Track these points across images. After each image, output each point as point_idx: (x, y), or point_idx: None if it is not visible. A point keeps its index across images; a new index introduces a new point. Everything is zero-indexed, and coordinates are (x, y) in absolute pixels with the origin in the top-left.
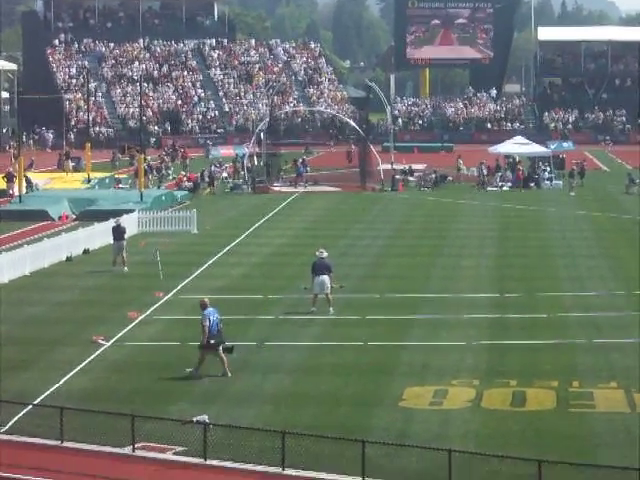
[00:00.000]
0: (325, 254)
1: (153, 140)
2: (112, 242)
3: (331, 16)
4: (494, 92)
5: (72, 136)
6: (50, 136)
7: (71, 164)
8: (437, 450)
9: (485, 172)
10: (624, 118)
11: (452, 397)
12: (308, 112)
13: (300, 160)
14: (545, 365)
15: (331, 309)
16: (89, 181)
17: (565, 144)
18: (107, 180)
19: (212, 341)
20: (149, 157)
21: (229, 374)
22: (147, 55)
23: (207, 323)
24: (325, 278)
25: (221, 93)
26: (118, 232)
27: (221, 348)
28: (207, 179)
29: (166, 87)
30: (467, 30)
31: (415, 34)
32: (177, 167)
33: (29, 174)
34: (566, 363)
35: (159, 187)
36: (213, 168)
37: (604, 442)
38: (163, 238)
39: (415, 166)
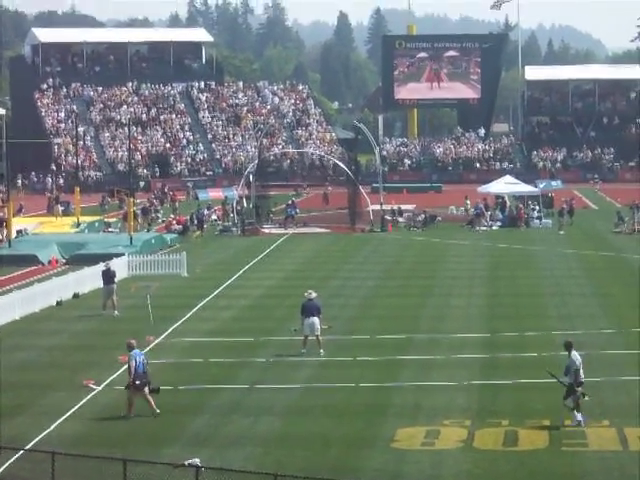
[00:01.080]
0: (314, 295)
1: (142, 184)
2: (102, 286)
3: (319, 58)
4: (482, 132)
5: (61, 180)
6: (49, 180)
7: (60, 208)
8: None
9: (481, 210)
10: (612, 156)
11: (444, 437)
12: (297, 154)
13: (289, 202)
14: (537, 404)
15: (321, 351)
16: (78, 225)
17: (554, 183)
18: (96, 224)
19: (138, 382)
20: (138, 200)
21: (157, 412)
22: (135, 99)
23: (133, 364)
24: (315, 320)
25: (210, 136)
26: (108, 276)
27: (147, 389)
28: (196, 222)
29: (155, 130)
30: (454, 70)
31: (403, 75)
32: (166, 210)
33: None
34: (557, 402)
35: (148, 230)
36: (203, 211)
37: None
38: (153, 281)
39: (404, 206)
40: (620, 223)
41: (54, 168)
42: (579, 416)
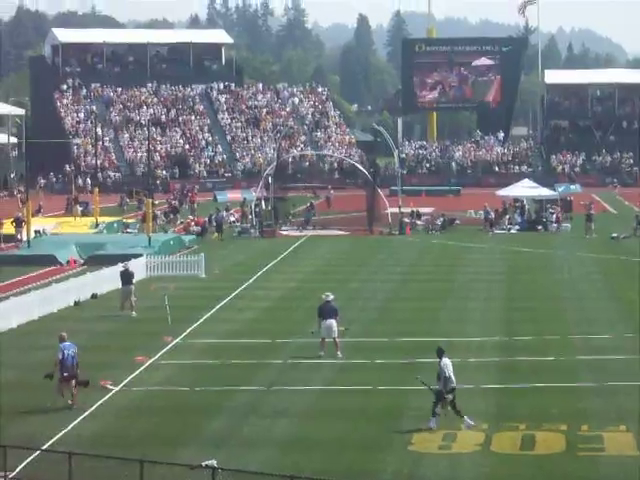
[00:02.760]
0: (331, 297)
1: (159, 184)
2: (120, 287)
3: (338, 60)
4: (501, 135)
5: (80, 181)
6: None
7: (79, 208)
8: None
9: (489, 214)
10: (631, 160)
11: (461, 441)
12: (316, 156)
13: (308, 204)
14: (554, 408)
15: (339, 353)
16: (97, 226)
17: (572, 187)
18: (115, 225)
19: (65, 374)
20: (156, 201)
21: (74, 407)
22: (155, 99)
23: (60, 356)
24: (332, 322)
25: (229, 137)
26: (126, 276)
27: (74, 382)
28: (215, 224)
29: (174, 131)
30: (474, 73)
31: (422, 77)
32: (185, 212)
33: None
34: (575, 406)
35: (167, 231)
36: (222, 214)
37: None
38: (171, 282)
39: (423, 209)
40: (639, 227)
41: (72, 168)
42: (433, 422)
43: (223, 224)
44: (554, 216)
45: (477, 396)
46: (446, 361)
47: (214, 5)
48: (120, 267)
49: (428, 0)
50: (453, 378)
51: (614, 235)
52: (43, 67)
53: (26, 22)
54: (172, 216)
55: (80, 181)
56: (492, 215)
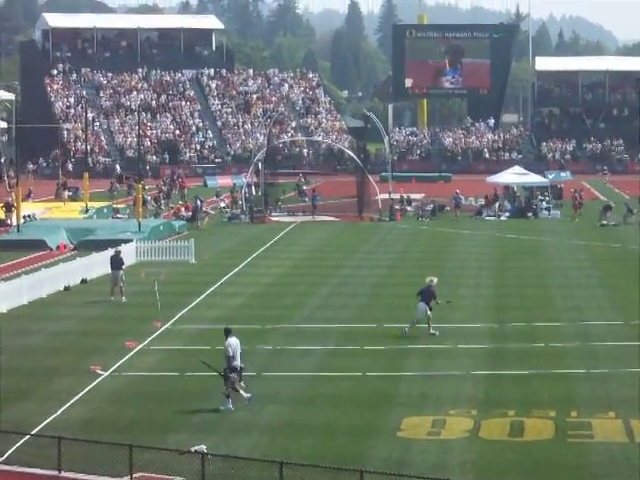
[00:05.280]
0: (435, 282)
1: (149, 169)
2: (110, 271)
3: (329, 46)
4: (492, 122)
5: (70, 166)
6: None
7: (67, 194)
8: None
9: (459, 200)
10: (622, 148)
11: (450, 427)
12: (306, 142)
13: (311, 189)
14: (543, 395)
15: (432, 331)
16: (87, 211)
17: (563, 174)
18: (105, 210)
19: None
20: (147, 187)
21: None
22: (145, 85)
23: None
24: (423, 305)
25: (219, 123)
26: (116, 262)
27: None
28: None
29: (164, 117)
30: (465, 60)
31: (412, 64)
32: (175, 197)
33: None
34: (564, 393)
35: (157, 217)
36: (198, 202)
37: (603, 472)
38: (161, 268)
39: (413, 196)
40: (629, 215)
41: (58, 152)
42: (228, 403)
43: (199, 212)
44: (543, 203)
45: (466, 382)
46: (230, 341)
47: None
48: (111, 252)
49: None
50: (237, 358)
51: (603, 222)
52: (33, 52)
53: (17, 6)
54: (162, 201)
55: (70, 166)
56: (462, 201)
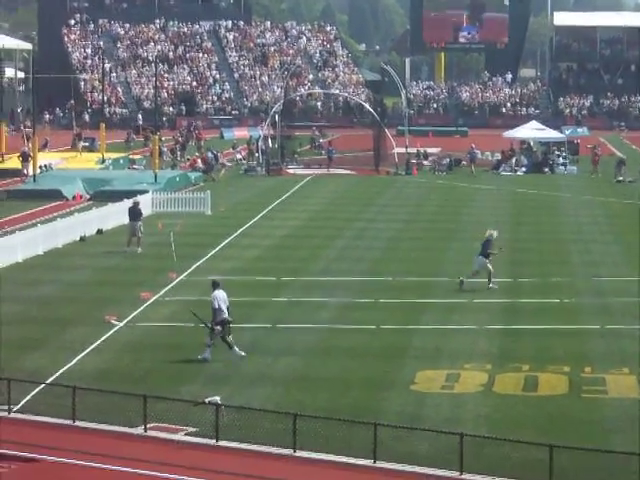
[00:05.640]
0: (495, 235)
1: (166, 121)
2: (127, 222)
3: None
4: (509, 77)
5: (87, 116)
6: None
7: (82, 144)
8: (449, 434)
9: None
10: (639, 104)
11: (464, 381)
12: (323, 95)
13: (327, 143)
14: (557, 350)
15: (491, 285)
16: (103, 161)
17: (580, 129)
18: (121, 161)
19: None
20: (163, 138)
21: None
22: (162, 36)
23: None
24: (480, 258)
25: (236, 75)
26: (134, 213)
27: None
28: (212, 163)
29: (181, 68)
30: (483, 14)
31: (431, 18)
32: (191, 149)
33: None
34: (578, 348)
35: (173, 168)
36: (210, 155)
37: (616, 427)
38: (177, 219)
39: (429, 150)
40: None
41: (72, 103)
42: (207, 353)
43: (214, 164)
44: (559, 158)
45: (481, 337)
46: (216, 294)
47: None
48: (129, 203)
49: None
50: (224, 310)
51: (620, 179)
52: (51, 2)
53: None
54: (179, 152)
55: (86, 117)
56: (478, 156)
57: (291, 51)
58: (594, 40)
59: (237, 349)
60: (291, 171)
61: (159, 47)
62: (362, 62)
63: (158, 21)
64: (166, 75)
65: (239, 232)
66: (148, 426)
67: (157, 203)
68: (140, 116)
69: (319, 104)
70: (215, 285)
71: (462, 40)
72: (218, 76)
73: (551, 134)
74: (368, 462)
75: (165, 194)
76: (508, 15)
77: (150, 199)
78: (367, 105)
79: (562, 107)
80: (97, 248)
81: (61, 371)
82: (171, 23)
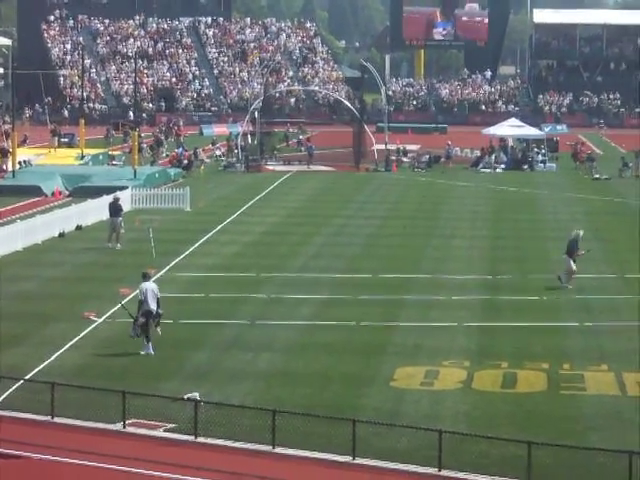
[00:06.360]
0: (581, 234)
1: (145, 117)
2: (107, 218)
3: None
4: (489, 74)
5: (66, 112)
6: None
7: (57, 140)
8: (428, 430)
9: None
10: (618, 102)
11: (443, 378)
12: (303, 91)
13: (306, 139)
14: (536, 347)
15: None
16: (82, 157)
17: (559, 127)
18: (101, 157)
19: None
20: (142, 134)
21: None
22: (142, 32)
23: None
24: (566, 258)
25: (216, 71)
26: (115, 208)
27: None
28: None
29: (161, 64)
30: (462, 11)
31: (410, 14)
32: (171, 145)
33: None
34: (557, 345)
35: (152, 164)
36: (180, 150)
37: (594, 424)
38: (156, 215)
39: (409, 147)
40: (625, 169)
41: (49, 100)
42: (149, 348)
43: (191, 160)
44: (539, 156)
45: (460, 334)
46: (144, 285)
47: None
48: (110, 198)
49: None
50: (150, 302)
51: (596, 176)
52: None
53: None
54: (157, 149)
55: (66, 112)
56: (454, 153)
57: (271, 47)
58: (574, 38)
59: (151, 346)
60: (270, 167)
61: (139, 43)
62: (342, 59)
63: (138, 17)
64: (146, 71)
65: (218, 228)
66: (127, 422)
67: (136, 199)
68: (131, 113)
69: (292, 100)
70: (144, 277)
71: (437, 37)
72: (198, 72)
73: (530, 131)
74: (347, 458)
75: (145, 190)
76: (487, 12)
77: (129, 195)
78: (347, 102)
79: (541, 104)
80: (76, 244)
81: (40, 367)
82: (151, 19)
